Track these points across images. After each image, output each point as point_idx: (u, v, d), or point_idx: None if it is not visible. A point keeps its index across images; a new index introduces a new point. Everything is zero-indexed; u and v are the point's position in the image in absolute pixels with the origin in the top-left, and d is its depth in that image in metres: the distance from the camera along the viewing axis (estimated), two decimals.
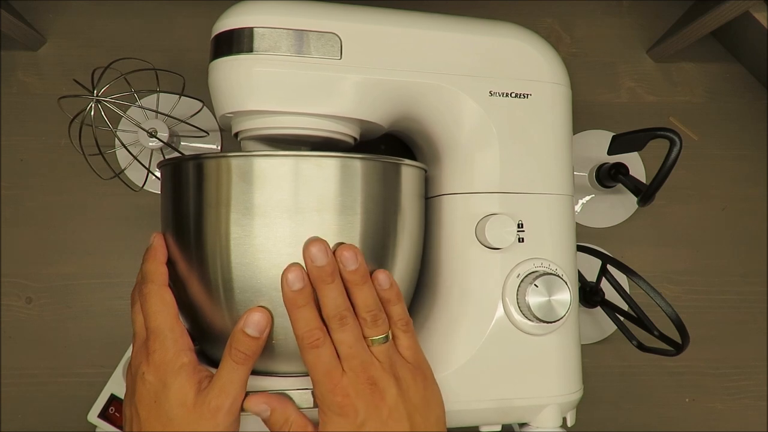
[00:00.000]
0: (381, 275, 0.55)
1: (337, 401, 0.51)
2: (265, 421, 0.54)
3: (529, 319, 0.60)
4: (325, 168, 0.52)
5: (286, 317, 0.52)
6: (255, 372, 0.54)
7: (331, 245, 0.52)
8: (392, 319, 0.56)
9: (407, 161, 0.58)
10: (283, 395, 0.54)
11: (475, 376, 0.60)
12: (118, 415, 0.77)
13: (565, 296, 0.59)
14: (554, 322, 0.59)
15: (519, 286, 0.60)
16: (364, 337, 0.53)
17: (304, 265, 0.52)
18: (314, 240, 0.52)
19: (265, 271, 0.52)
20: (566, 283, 0.60)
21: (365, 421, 0.52)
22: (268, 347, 0.54)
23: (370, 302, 0.54)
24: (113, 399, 0.78)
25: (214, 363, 0.55)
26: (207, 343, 0.59)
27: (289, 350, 0.54)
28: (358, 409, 0.51)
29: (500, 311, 0.61)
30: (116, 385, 0.79)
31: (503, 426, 0.63)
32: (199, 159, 0.54)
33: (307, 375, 0.55)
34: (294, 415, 0.53)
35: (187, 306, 0.57)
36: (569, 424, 0.65)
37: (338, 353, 0.52)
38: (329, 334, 0.52)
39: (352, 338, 0.52)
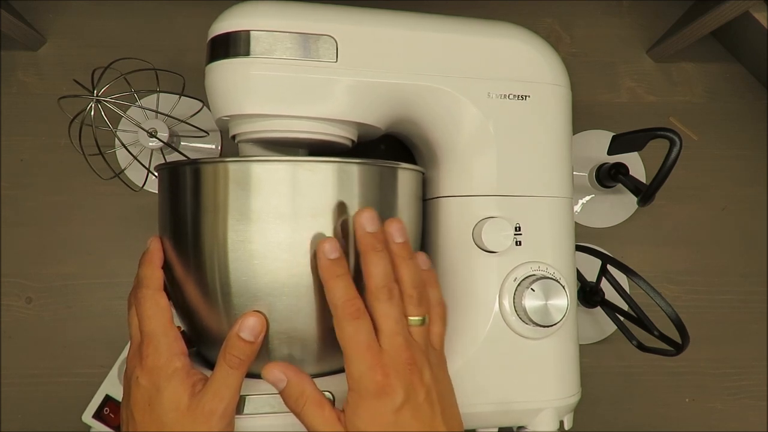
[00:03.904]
0: (421, 256, 0.55)
1: (377, 380, 0.48)
2: (281, 394, 0.51)
3: (526, 323, 0.60)
4: (321, 173, 0.52)
5: (281, 322, 0.53)
6: (251, 375, 0.54)
7: None
8: (431, 303, 0.55)
9: (404, 165, 0.58)
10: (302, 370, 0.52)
11: (472, 379, 0.60)
12: (113, 416, 0.77)
13: (562, 300, 0.59)
14: (551, 326, 0.59)
15: (516, 289, 0.60)
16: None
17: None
18: (365, 208, 0.51)
19: (262, 276, 0.52)
20: (563, 287, 0.60)
21: (403, 404, 0.49)
22: (264, 350, 0.54)
23: (417, 278, 0.52)
24: (108, 399, 0.78)
25: (211, 365, 0.55)
26: (204, 346, 0.59)
27: (285, 354, 0.55)
28: (397, 390, 0.49)
29: (497, 314, 0.61)
30: (111, 386, 0.79)
31: (500, 429, 0.63)
32: (195, 164, 0.54)
33: None
34: (310, 389, 0.51)
35: (184, 309, 0.57)
36: (566, 427, 0.65)
37: (379, 328, 0.50)
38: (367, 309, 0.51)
39: (398, 312, 0.51)
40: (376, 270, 0.50)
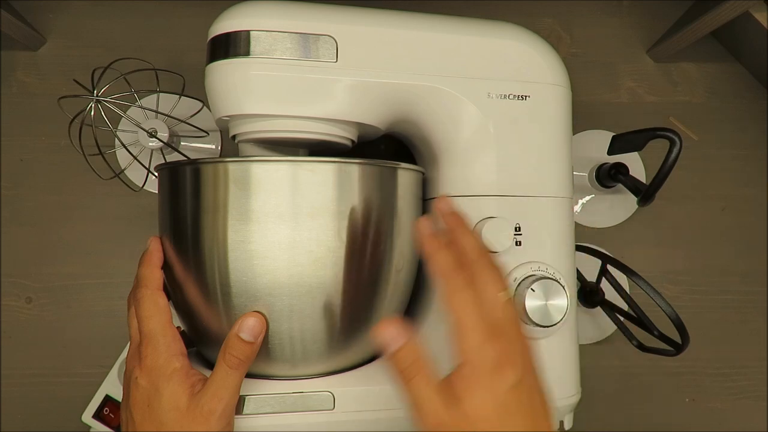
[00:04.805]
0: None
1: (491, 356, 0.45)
2: (389, 356, 0.46)
3: (526, 323, 0.59)
4: (321, 174, 0.52)
5: (280, 322, 0.53)
6: (250, 375, 0.54)
7: (329, 250, 0.53)
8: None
9: (404, 165, 0.58)
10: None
11: None
12: (112, 416, 0.78)
13: (562, 300, 0.59)
14: (550, 326, 0.59)
15: (516, 289, 0.60)
16: None
17: None
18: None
19: (261, 276, 0.52)
20: (563, 287, 0.59)
21: (522, 378, 0.45)
22: (264, 350, 0.54)
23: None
24: (108, 400, 0.78)
25: (211, 365, 0.55)
26: (203, 346, 0.59)
27: (286, 354, 0.55)
28: (517, 363, 0.45)
29: None
30: (111, 386, 0.79)
31: None
32: (195, 164, 0.54)
33: (305, 378, 0.55)
34: (425, 358, 0.45)
35: (184, 309, 0.57)
36: (566, 427, 0.65)
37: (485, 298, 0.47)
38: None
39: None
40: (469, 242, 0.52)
